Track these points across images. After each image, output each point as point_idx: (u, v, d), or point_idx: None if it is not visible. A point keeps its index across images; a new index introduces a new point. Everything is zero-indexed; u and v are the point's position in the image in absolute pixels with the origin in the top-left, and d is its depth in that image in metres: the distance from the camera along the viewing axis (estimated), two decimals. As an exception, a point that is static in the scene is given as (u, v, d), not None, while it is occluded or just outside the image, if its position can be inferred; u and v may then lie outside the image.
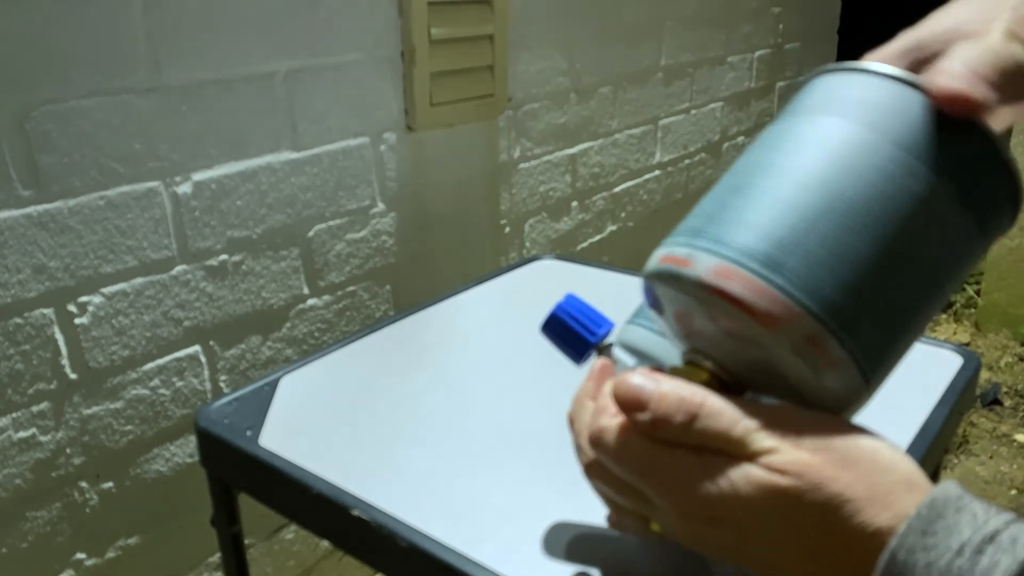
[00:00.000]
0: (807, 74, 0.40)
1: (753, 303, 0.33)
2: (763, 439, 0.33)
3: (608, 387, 0.38)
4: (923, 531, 0.30)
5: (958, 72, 0.34)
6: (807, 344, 0.33)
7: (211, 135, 0.93)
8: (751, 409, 0.34)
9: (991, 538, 0.30)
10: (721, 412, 0.34)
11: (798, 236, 0.34)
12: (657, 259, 0.37)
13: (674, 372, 0.39)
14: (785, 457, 0.33)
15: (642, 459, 0.36)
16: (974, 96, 0.34)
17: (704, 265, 0.35)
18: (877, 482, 0.32)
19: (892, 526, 0.31)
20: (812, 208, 0.34)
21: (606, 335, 0.47)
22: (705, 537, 0.35)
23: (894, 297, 0.34)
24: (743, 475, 0.33)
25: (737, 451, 0.34)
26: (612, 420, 0.37)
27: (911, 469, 0.33)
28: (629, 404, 0.36)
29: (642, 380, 0.36)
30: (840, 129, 0.35)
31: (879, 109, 0.35)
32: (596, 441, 0.37)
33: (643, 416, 0.35)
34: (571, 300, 0.47)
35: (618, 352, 0.46)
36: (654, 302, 0.39)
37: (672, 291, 0.37)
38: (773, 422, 0.34)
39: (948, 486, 0.32)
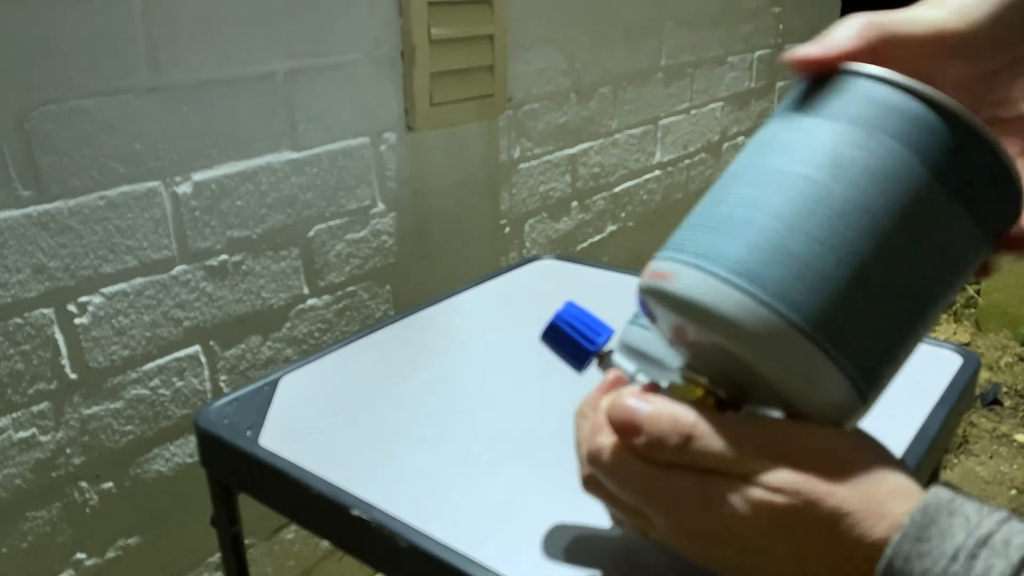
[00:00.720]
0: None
1: (739, 321, 0.33)
2: (758, 458, 0.34)
3: (605, 403, 0.38)
4: (917, 538, 0.31)
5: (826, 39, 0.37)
6: (799, 361, 0.33)
7: (211, 135, 0.93)
8: (744, 427, 0.35)
9: (984, 541, 0.30)
10: (714, 433, 0.34)
11: (786, 251, 0.33)
12: (646, 273, 0.37)
13: (671, 388, 0.38)
14: (780, 476, 0.33)
15: (638, 481, 0.36)
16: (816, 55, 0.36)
17: (686, 281, 0.34)
18: (872, 493, 0.32)
19: (889, 536, 0.31)
20: (802, 222, 0.33)
21: (606, 342, 0.47)
22: (707, 555, 0.35)
23: (889, 311, 0.34)
24: (740, 496, 0.33)
25: (733, 471, 0.34)
26: (608, 439, 0.37)
27: (905, 477, 0.33)
28: (623, 426, 0.36)
29: (635, 402, 0.36)
30: (832, 135, 0.34)
31: (875, 113, 0.34)
32: (594, 459, 0.37)
33: (637, 440, 0.35)
34: (570, 308, 0.47)
35: (618, 359, 0.46)
36: (649, 313, 0.39)
37: (660, 306, 0.36)
38: (767, 440, 0.34)
39: (939, 491, 0.32)
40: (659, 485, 0.35)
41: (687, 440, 0.34)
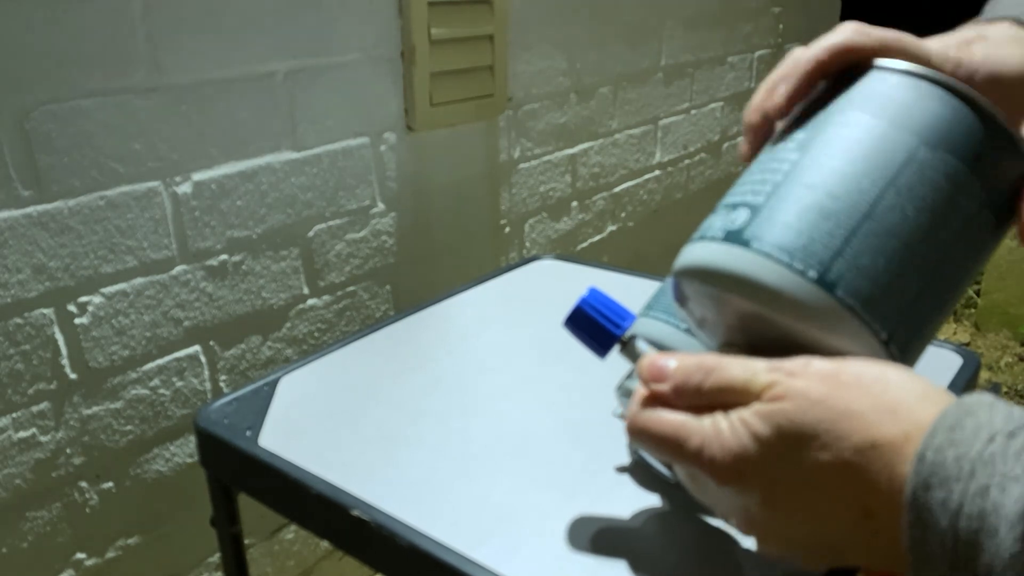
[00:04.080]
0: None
1: (786, 294, 0.35)
2: (764, 375, 0.34)
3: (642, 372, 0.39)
4: (951, 427, 0.29)
5: None
6: (839, 331, 0.35)
7: (211, 135, 0.93)
8: (764, 360, 0.35)
9: None
10: (731, 364, 0.35)
11: (829, 230, 0.35)
12: (686, 254, 0.38)
13: None
14: (784, 385, 0.33)
15: (668, 429, 0.36)
16: None
17: (737, 259, 0.36)
18: (882, 393, 0.32)
19: (906, 433, 0.30)
20: (842, 202, 0.35)
21: (629, 328, 0.47)
22: (735, 508, 0.35)
23: (923, 288, 0.36)
24: (752, 412, 0.33)
25: (745, 397, 0.34)
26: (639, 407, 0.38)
27: (927, 386, 0.32)
28: (652, 376, 0.37)
29: (665, 357, 0.37)
30: (871, 127, 0.37)
31: (910, 108, 0.36)
32: (631, 428, 0.38)
33: (664, 386, 0.36)
34: (595, 294, 0.48)
35: (641, 344, 0.46)
36: (680, 296, 0.40)
37: (703, 285, 0.38)
38: (781, 364, 0.34)
39: (983, 394, 0.31)
40: (684, 430, 0.35)
41: (707, 375, 0.35)
